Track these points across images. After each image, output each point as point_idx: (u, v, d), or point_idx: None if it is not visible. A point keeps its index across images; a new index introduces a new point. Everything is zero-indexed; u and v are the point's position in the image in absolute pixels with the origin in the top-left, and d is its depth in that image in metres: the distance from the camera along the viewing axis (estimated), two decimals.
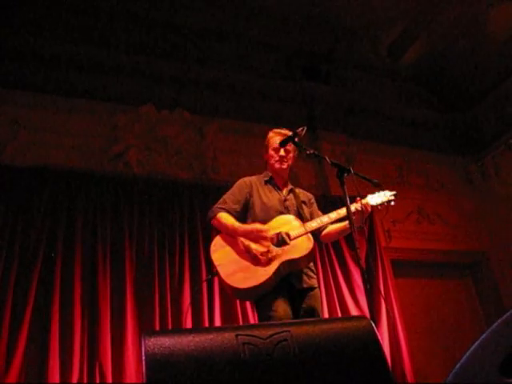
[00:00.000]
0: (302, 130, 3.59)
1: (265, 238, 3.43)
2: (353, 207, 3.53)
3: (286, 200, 3.83)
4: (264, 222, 3.62)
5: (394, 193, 3.84)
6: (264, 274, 3.33)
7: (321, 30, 7.79)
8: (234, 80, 7.41)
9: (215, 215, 3.68)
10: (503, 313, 2.15)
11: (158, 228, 5.95)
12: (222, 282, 3.42)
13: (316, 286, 3.67)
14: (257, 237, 3.45)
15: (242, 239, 3.50)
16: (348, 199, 3.21)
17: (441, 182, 8.46)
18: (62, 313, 5.07)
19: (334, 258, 6.66)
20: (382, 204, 3.75)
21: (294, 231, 3.52)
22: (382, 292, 6.61)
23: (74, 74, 6.55)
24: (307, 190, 4.20)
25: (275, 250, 3.42)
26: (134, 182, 6.15)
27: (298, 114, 7.61)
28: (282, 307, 3.36)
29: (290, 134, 3.72)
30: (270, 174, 3.96)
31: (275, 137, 3.94)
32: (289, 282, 3.48)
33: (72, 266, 5.34)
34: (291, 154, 3.94)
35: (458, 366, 2.29)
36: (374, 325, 2.07)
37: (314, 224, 3.61)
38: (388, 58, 8.46)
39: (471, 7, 7.38)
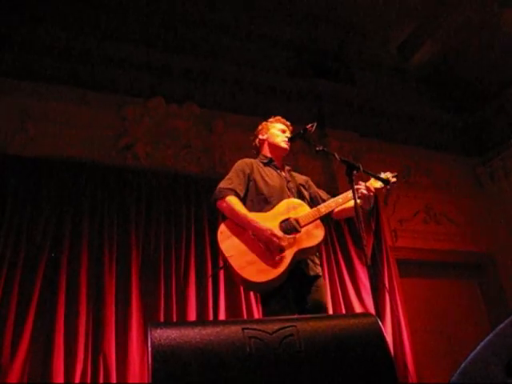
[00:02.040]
0: (312, 127, 3.58)
1: (276, 246, 3.26)
2: (375, 184, 3.54)
3: (288, 182, 3.76)
4: (269, 203, 3.54)
5: (395, 174, 3.76)
6: (279, 266, 3.22)
7: (332, 27, 7.79)
8: (244, 76, 7.41)
9: (224, 197, 3.51)
10: (508, 315, 2.14)
11: (164, 221, 5.96)
12: (234, 273, 3.27)
13: (321, 273, 3.59)
14: (268, 240, 3.27)
15: None
16: (356, 196, 3.19)
17: (449, 182, 8.44)
18: (68, 303, 5.09)
19: (339, 255, 6.66)
20: (385, 185, 3.64)
21: (302, 217, 3.41)
22: (387, 286, 6.60)
23: (83, 66, 6.56)
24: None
25: (286, 238, 3.31)
26: (142, 175, 6.16)
27: (307, 111, 7.60)
28: (288, 307, 3.27)
29: (288, 123, 3.80)
30: (269, 156, 3.89)
31: (277, 122, 3.97)
32: (295, 271, 3.35)
33: (78, 257, 5.36)
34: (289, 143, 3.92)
35: (463, 365, 2.29)
36: (380, 322, 2.07)
37: (322, 209, 3.49)
38: (398, 57, 8.44)
39: (483, 8, 7.35)
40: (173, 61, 7.03)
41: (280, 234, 3.31)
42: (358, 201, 3.41)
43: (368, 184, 3.60)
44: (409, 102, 8.63)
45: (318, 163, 7.25)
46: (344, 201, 3.57)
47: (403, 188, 7.87)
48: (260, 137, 4.00)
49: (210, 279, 5.73)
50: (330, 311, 6.03)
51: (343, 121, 7.74)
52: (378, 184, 3.63)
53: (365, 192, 3.52)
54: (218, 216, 5.68)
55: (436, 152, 8.54)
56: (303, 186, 3.86)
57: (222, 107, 7.10)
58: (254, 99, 7.36)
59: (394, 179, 3.73)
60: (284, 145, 3.86)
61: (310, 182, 3.99)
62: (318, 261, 3.62)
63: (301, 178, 3.96)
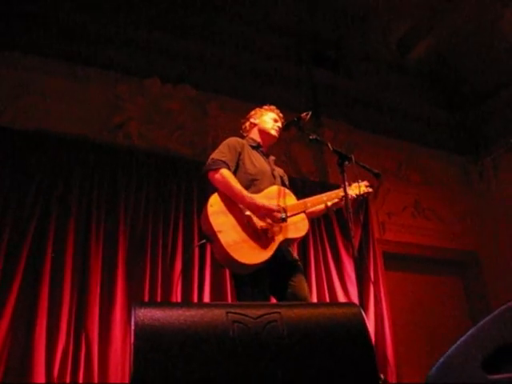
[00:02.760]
0: (307, 115, 3.58)
1: (275, 219, 3.28)
2: (351, 192, 3.56)
3: (273, 169, 3.77)
4: (257, 186, 3.52)
5: (368, 188, 3.80)
6: (266, 251, 3.21)
7: (333, 17, 7.77)
8: (241, 60, 7.39)
9: (218, 168, 3.42)
10: (489, 312, 2.17)
11: (154, 202, 5.94)
12: (219, 249, 3.18)
13: (297, 258, 3.61)
14: (267, 215, 3.28)
15: (243, 207, 3.32)
16: (347, 187, 3.21)
17: (439, 178, 8.48)
18: (52, 281, 5.07)
19: (327, 245, 6.68)
20: (358, 195, 3.65)
21: (289, 207, 3.41)
22: (372, 278, 6.65)
23: (80, 42, 6.51)
24: (306, 176, 4.20)
25: (275, 226, 3.31)
26: (134, 154, 6.13)
27: (303, 99, 7.60)
28: (260, 287, 3.28)
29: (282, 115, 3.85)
30: (258, 141, 3.87)
31: (271, 111, 3.96)
32: (276, 258, 3.31)
33: (65, 232, 5.33)
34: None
35: (442, 360, 2.31)
36: (363, 313, 2.08)
37: (309, 204, 3.51)
38: (397, 52, 8.43)
39: (485, 6, 7.34)
40: (171, 42, 6.99)
41: (277, 208, 3.33)
42: (329, 203, 3.47)
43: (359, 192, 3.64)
44: (404, 97, 8.64)
45: (310, 153, 7.26)
46: (328, 199, 3.61)
47: (393, 181, 7.90)
48: (251, 120, 3.98)
49: (197, 259, 5.72)
50: (313, 299, 6.06)
51: (338, 112, 7.74)
52: (354, 193, 3.64)
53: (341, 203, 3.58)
54: (208, 198, 5.67)
55: (428, 148, 8.58)
56: (281, 178, 3.87)
57: (217, 91, 7.08)
58: (251, 84, 7.34)
59: (369, 189, 3.78)
60: (274, 132, 3.86)
61: (286, 178, 3.97)
62: (290, 248, 3.62)
63: (280, 171, 3.95)
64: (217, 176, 3.41)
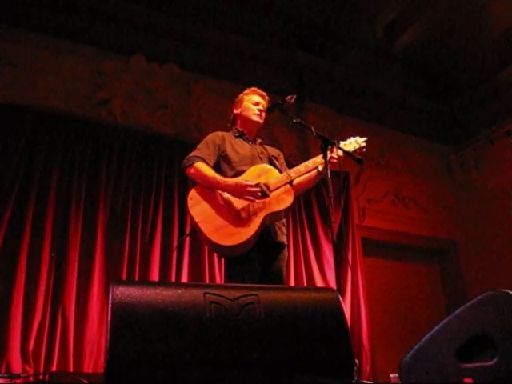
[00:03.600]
0: (291, 98, 3.57)
1: (252, 193, 3.30)
2: (347, 147, 3.57)
3: (259, 153, 3.77)
4: (240, 171, 3.55)
5: (364, 139, 3.79)
6: (248, 229, 3.25)
7: (321, 1, 7.72)
8: (227, 41, 7.34)
9: (192, 164, 3.52)
10: (465, 300, 2.20)
11: (134, 180, 5.93)
12: (203, 238, 3.29)
13: (286, 243, 3.62)
14: (243, 192, 3.31)
15: (220, 192, 3.39)
16: (329, 172, 3.22)
17: (420, 167, 8.53)
18: (30, 255, 5.07)
19: (306, 228, 6.72)
20: (355, 151, 3.68)
21: (272, 182, 3.43)
22: (350, 262, 6.70)
23: (66, 15, 6.42)
24: (287, 159, 4.19)
25: (256, 202, 3.33)
26: (116, 132, 6.11)
27: (288, 82, 7.59)
28: (250, 282, 3.27)
29: (265, 93, 3.85)
30: (241, 129, 3.88)
31: (253, 94, 3.94)
32: (262, 236, 3.36)
33: (45, 207, 5.33)
34: (264, 113, 3.90)
35: (416, 347, 2.34)
36: (341, 299, 2.10)
37: (292, 174, 3.50)
38: (384, 38, 8.43)
39: None
40: (157, 20, 6.93)
41: (245, 182, 3.35)
42: (320, 167, 3.47)
43: (339, 154, 3.60)
44: (389, 85, 8.65)
45: (293, 135, 7.26)
46: (313, 165, 3.58)
47: (375, 168, 7.93)
48: (234, 111, 3.99)
49: (175, 240, 5.74)
50: (291, 283, 6.11)
51: (323, 96, 7.74)
52: (348, 148, 3.64)
53: (335, 161, 3.53)
54: (188, 179, 5.68)
55: (411, 136, 8.61)
56: (275, 158, 3.87)
57: (203, 71, 7.04)
58: (236, 66, 7.32)
59: (363, 143, 3.77)
60: (255, 118, 3.85)
61: (282, 157, 3.99)
62: (285, 230, 3.64)
63: (273, 151, 3.96)
64: (192, 170, 3.52)
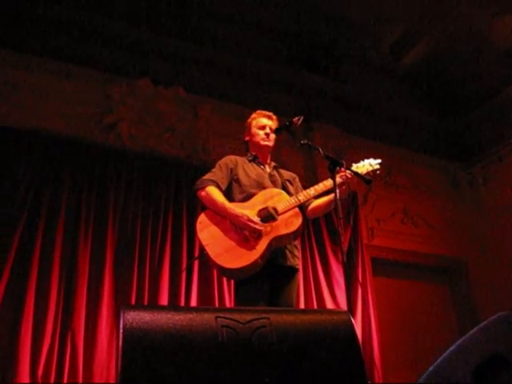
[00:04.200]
0: (298, 120, 3.58)
1: (252, 230, 3.32)
2: (338, 178, 3.51)
3: (271, 176, 3.81)
4: (250, 195, 3.59)
5: (379, 161, 3.79)
6: (254, 252, 3.26)
7: (325, 21, 7.76)
8: (232, 63, 7.37)
9: (204, 187, 3.59)
10: (476, 320, 2.17)
11: (143, 203, 5.93)
12: (210, 261, 3.33)
13: (297, 266, 3.63)
14: (244, 226, 3.33)
15: None
16: (338, 193, 3.21)
17: (428, 185, 8.50)
18: (40, 279, 5.06)
19: (315, 249, 6.69)
20: (367, 173, 3.67)
21: (281, 205, 3.45)
22: (360, 279, 6.67)
23: (72, 40, 6.47)
24: None
25: (263, 226, 3.34)
26: (124, 155, 6.13)
27: (294, 103, 7.60)
28: (261, 304, 3.30)
29: (271, 113, 3.89)
30: (254, 154, 3.93)
31: (259, 117, 3.97)
32: (272, 259, 3.41)
33: (54, 233, 5.32)
34: (274, 135, 3.93)
35: (431, 368, 2.31)
36: (353, 321, 2.08)
37: (300, 197, 3.54)
38: (389, 57, 8.45)
39: (476, 15, 7.38)
40: (162, 43, 6.97)
41: (256, 219, 3.36)
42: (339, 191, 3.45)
43: (349, 172, 3.58)
44: (395, 103, 8.66)
45: (300, 157, 7.26)
46: (323, 188, 3.60)
47: (383, 188, 7.91)
48: (245, 138, 4.06)
49: (184, 264, 5.74)
50: (301, 305, 6.08)
51: (329, 116, 7.75)
52: (360, 171, 3.64)
53: (344, 180, 3.52)
54: (196, 202, 5.69)
55: (418, 154, 8.59)
56: (289, 182, 3.90)
57: (209, 93, 7.07)
58: (242, 87, 7.34)
59: (377, 166, 3.75)
60: (263, 142, 3.90)
61: (297, 180, 4.03)
62: (296, 253, 3.66)
63: (288, 174, 4.00)
64: (203, 193, 3.61)
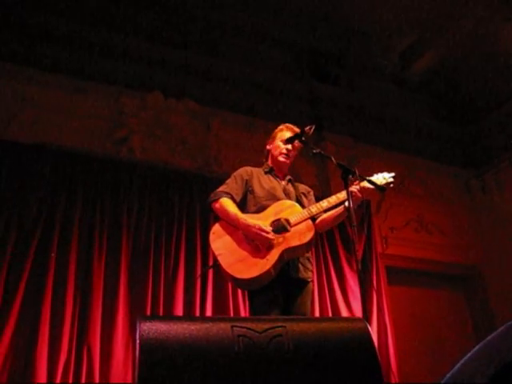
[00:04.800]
0: (310, 129, 3.59)
1: (263, 241, 3.32)
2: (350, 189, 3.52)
3: (286, 188, 3.81)
4: (264, 206, 3.59)
5: (392, 174, 3.76)
6: (266, 263, 3.26)
7: (334, 31, 7.79)
8: (243, 75, 7.41)
9: (218, 199, 3.61)
10: (492, 327, 2.16)
11: (156, 216, 5.95)
12: (222, 271, 3.35)
13: (311, 279, 3.62)
14: (257, 235, 3.33)
15: None
16: (351, 202, 3.21)
17: (441, 192, 8.47)
18: (55, 294, 5.08)
19: (329, 259, 6.67)
20: (380, 187, 3.64)
21: (293, 217, 3.45)
22: (375, 286, 6.64)
23: (83, 56, 6.54)
24: None
25: (275, 237, 3.35)
26: (136, 168, 6.15)
27: (305, 113, 7.62)
28: (275, 312, 3.30)
29: (299, 131, 3.74)
30: (271, 165, 3.93)
31: (286, 131, 3.93)
32: (284, 272, 3.40)
33: (68, 247, 5.34)
34: (295, 152, 3.93)
35: (448, 375, 2.29)
36: (369, 328, 2.07)
37: (313, 209, 3.52)
38: (399, 65, 8.46)
39: (486, 22, 7.37)
40: (172, 56, 7.02)
41: (268, 229, 3.36)
42: (347, 203, 3.44)
43: (362, 185, 3.57)
44: (407, 111, 8.65)
45: (312, 166, 7.25)
46: (336, 201, 3.58)
47: (396, 196, 7.88)
48: (267, 146, 4.05)
49: (199, 274, 5.74)
50: (316, 314, 6.06)
51: (340, 125, 7.75)
52: (373, 185, 3.62)
53: (359, 195, 3.52)
54: (209, 213, 5.70)
55: (430, 162, 8.57)
56: (304, 195, 3.90)
57: (219, 105, 7.09)
58: (253, 99, 7.36)
59: (391, 179, 3.74)
60: (281, 158, 3.88)
61: (311, 193, 4.01)
62: (310, 266, 3.65)
63: (303, 188, 4.00)
64: (217, 205, 3.62)
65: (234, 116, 7.10)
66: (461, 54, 7.98)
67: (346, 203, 3.46)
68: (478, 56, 7.92)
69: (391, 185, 3.74)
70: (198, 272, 5.78)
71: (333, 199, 3.59)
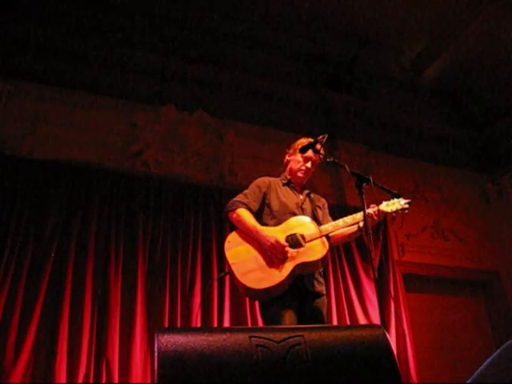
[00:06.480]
0: (323, 138, 3.59)
1: (280, 252, 3.33)
2: (387, 208, 3.59)
3: (302, 203, 3.80)
4: (280, 220, 3.59)
5: (408, 201, 3.77)
6: (279, 275, 3.28)
7: (346, 39, 7.81)
8: (255, 85, 7.43)
9: (235, 209, 3.61)
10: None
11: (171, 228, 5.96)
12: (235, 280, 3.36)
13: (324, 293, 3.63)
14: (273, 247, 3.34)
15: None
16: (366, 209, 3.20)
17: (457, 198, 8.42)
18: (72, 308, 5.10)
19: (346, 268, 6.65)
20: (396, 211, 3.69)
21: (309, 233, 3.46)
22: (392, 294, 6.61)
23: (96, 71, 6.62)
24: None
25: (290, 251, 3.36)
26: (151, 182, 6.18)
27: (318, 122, 7.63)
28: (289, 318, 3.31)
29: (321, 147, 3.72)
30: (289, 177, 3.93)
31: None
32: (298, 285, 3.42)
33: (84, 261, 5.37)
34: (314, 168, 3.94)
35: (469, 380, 2.28)
36: (388, 335, 2.06)
37: (329, 228, 3.55)
38: (411, 71, 8.45)
39: (497, 24, 7.35)
40: (185, 69, 7.06)
41: (284, 243, 3.36)
42: (361, 224, 3.47)
43: (380, 208, 3.62)
44: (420, 117, 8.63)
45: (326, 175, 7.24)
46: (352, 221, 3.60)
47: (412, 203, 7.83)
48: (286, 157, 4.05)
49: (216, 285, 5.74)
50: (334, 321, 6.03)
51: (354, 134, 7.75)
52: (389, 209, 3.67)
53: (375, 218, 3.55)
54: (225, 225, 5.73)
55: (445, 167, 8.54)
56: (319, 207, 3.90)
57: (232, 116, 7.12)
58: (266, 109, 7.38)
59: (406, 205, 3.75)
60: (299, 174, 3.89)
61: (326, 206, 4.02)
62: (322, 280, 3.66)
63: (319, 200, 4.00)
64: (234, 215, 3.62)
65: (247, 127, 7.12)
66: (473, 58, 7.96)
67: (361, 224, 3.50)
68: (490, 59, 7.89)
69: (406, 211, 3.75)
70: (215, 284, 5.78)
71: (349, 219, 3.61)
